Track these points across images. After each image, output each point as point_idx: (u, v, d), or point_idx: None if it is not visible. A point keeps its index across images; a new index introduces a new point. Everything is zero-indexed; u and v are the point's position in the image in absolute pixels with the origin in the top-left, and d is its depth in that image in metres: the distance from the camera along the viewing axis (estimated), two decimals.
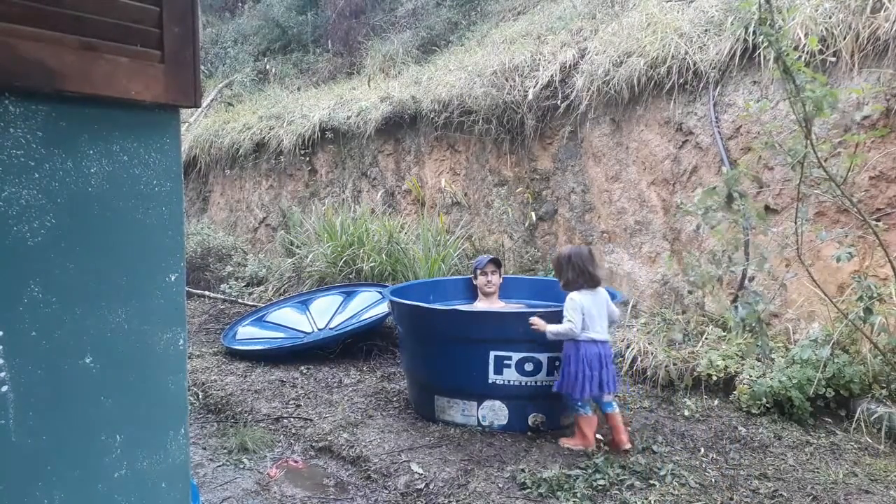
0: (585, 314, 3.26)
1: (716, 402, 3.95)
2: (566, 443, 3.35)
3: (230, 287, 7.36)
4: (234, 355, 5.16)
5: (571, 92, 5.52)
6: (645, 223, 5.14)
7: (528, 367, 3.46)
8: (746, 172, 3.10)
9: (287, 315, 5.68)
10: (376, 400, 4.13)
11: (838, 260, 3.37)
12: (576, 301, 3.28)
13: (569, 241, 5.77)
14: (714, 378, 3.99)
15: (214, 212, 9.51)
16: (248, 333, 5.50)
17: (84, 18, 1.22)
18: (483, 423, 3.57)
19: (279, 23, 11.92)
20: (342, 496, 3.00)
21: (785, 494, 2.83)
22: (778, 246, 3.70)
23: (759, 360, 3.89)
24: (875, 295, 3.32)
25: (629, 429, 3.57)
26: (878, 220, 3.69)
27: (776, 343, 4.03)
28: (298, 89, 10.05)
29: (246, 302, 6.94)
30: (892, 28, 3.69)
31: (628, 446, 3.26)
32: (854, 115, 3.69)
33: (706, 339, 4.33)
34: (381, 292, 5.33)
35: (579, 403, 3.29)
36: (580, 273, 3.32)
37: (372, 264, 6.03)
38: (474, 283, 4.44)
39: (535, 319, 3.36)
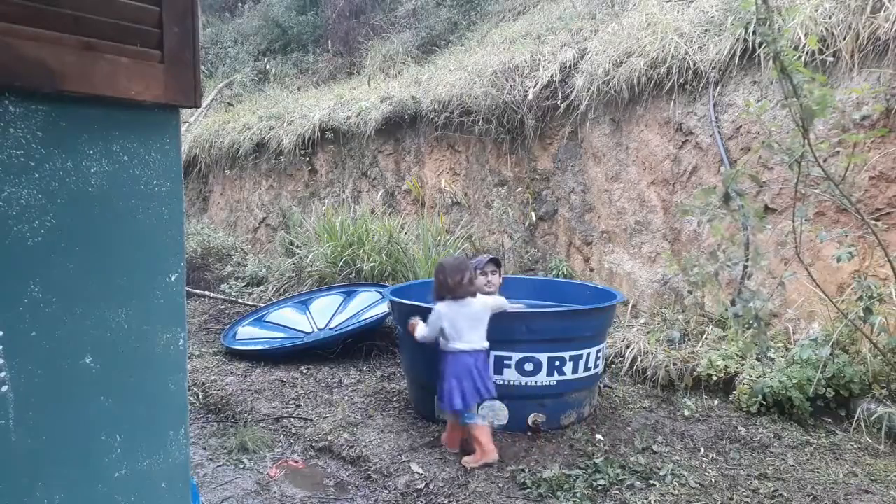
0: (449, 325, 3.23)
1: (716, 402, 3.95)
2: (469, 463, 3.14)
3: (230, 287, 7.36)
4: (234, 355, 5.16)
5: (571, 92, 5.52)
6: (645, 223, 5.14)
7: (528, 367, 3.46)
8: (745, 172, 3.09)
9: (287, 315, 5.68)
10: (376, 400, 4.13)
11: (838, 260, 3.37)
12: (437, 312, 3.30)
13: (569, 241, 5.77)
14: (714, 378, 3.99)
15: (214, 212, 9.51)
16: (248, 333, 5.50)
17: (84, 18, 1.22)
18: (483, 424, 3.56)
19: (279, 23, 11.94)
20: (342, 496, 3.00)
21: (785, 494, 2.83)
22: (777, 245, 3.70)
23: (758, 358, 3.89)
24: (875, 295, 3.32)
25: (629, 429, 3.58)
26: (877, 219, 3.69)
27: (776, 343, 4.03)
28: (298, 89, 10.05)
29: (246, 302, 6.94)
30: (892, 28, 3.68)
31: (496, 455, 3.15)
32: (854, 115, 3.69)
33: (706, 339, 4.33)
34: (381, 292, 5.33)
35: (466, 414, 3.19)
36: (440, 285, 3.34)
37: (372, 264, 6.03)
38: None
39: (414, 321, 3.45)
